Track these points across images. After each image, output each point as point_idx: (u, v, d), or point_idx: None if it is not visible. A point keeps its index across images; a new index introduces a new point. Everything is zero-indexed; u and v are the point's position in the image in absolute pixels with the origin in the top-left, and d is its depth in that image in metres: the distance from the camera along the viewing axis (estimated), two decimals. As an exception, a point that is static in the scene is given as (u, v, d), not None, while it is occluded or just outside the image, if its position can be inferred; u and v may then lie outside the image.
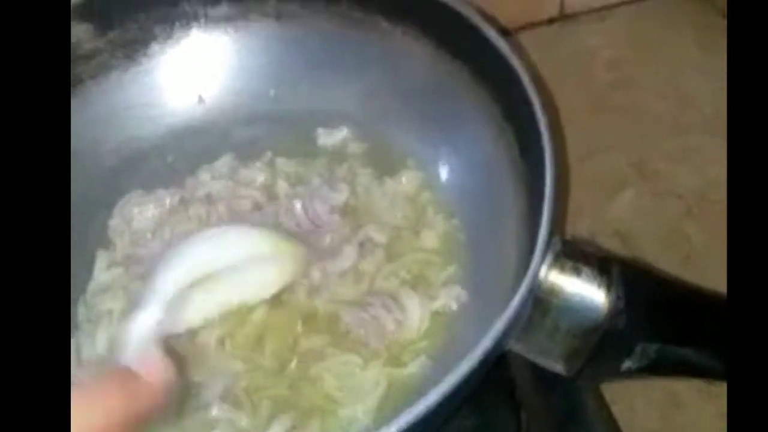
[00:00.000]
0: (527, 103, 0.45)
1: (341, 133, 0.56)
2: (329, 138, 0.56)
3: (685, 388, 0.52)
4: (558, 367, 0.41)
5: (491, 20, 0.50)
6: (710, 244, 0.60)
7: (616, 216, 0.62)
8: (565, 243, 0.40)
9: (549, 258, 0.39)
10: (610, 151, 0.65)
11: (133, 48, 0.56)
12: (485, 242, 0.49)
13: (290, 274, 0.48)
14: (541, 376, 0.46)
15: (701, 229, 0.62)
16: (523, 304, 0.39)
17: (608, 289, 0.39)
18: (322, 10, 0.55)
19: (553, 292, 0.40)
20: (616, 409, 0.48)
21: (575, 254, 0.40)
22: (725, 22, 0.73)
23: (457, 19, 0.50)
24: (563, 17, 0.75)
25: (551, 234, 0.40)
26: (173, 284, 0.43)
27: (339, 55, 0.56)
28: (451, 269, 0.50)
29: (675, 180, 0.64)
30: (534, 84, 0.46)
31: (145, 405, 0.34)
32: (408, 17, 0.53)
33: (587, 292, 0.40)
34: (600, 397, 0.47)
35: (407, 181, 0.53)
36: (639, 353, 0.40)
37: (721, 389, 0.50)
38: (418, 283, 0.49)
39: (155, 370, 0.36)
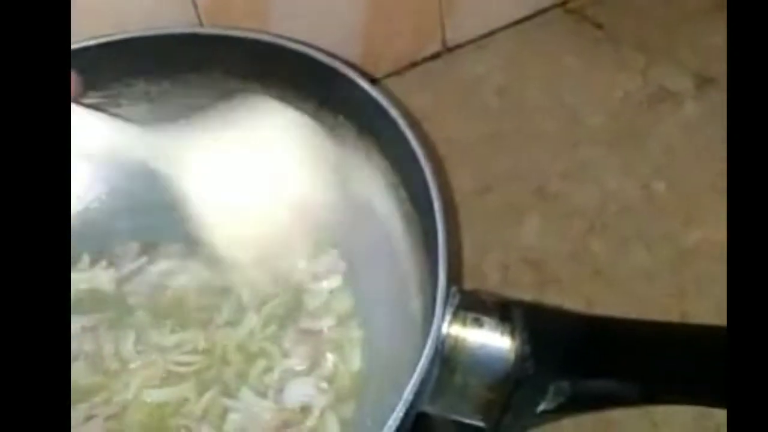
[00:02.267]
0: (410, 153, 0.45)
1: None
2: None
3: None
4: (475, 422, 0.41)
5: (363, 72, 0.50)
6: (615, 255, 0.61)
7: (524, 244, 0.63)
8: (464, 294, 0.40)
9: (449, 313, 0.39)
10: (510, 180, 0.65)
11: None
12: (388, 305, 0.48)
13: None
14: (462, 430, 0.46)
15: (605, 242, 0.62)
16: (430, 364, 0.38)
17: (512, 335, 0.39)
18: (193, 83, 0.54)
19: (456, 348, 0.39)
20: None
21: (475, 305, 0.40)
22: (600, 32, 0.75)
23: (330, 74, 0.50)
24: (447, 50, 0.76)
25: (449, 288, 0.39)
26: None
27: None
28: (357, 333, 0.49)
29: (575, 198, 0.65)
30: (411, 129, 0.46)
31: None
32: (283, 80, 0.52)
33: (491, 341, 0.39)
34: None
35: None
36: (553, 393, 0.40)
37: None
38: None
39: None
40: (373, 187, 0.50)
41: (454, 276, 0.40)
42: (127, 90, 0.55)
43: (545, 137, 0.69)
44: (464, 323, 0.39)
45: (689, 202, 0.63)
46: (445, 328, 0.39)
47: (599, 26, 0.75)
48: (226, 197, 0.45)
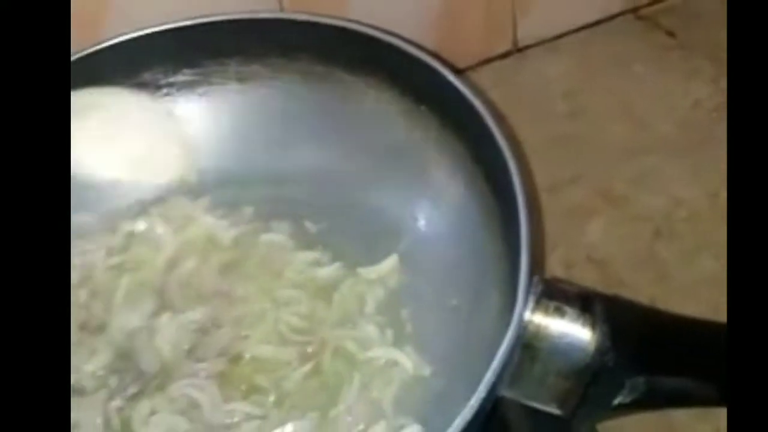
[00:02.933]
0: (493, 145, 0.46)
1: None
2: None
3: (678, 413, 0.52)
4: (552, 410, 0.42)
5: (446, 62, 0.51)
6: (681, 261, 0.61)
7: (588, 244, 0.63)
8: (547, 284, 0.41)
9: (531, 301, 0.40)
10: (576, 181, 0.66)
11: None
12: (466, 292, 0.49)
13: None
14: (537, 418, 0.47)
15: (671, 248, 0.63)
16: (511, 350, 0.39)
17: (593, 326, 0.40)
18: (283, 68, 0.56)
19: (538, 335, 0.40)
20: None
21: (557, 294, 0.41)
22: (672, 40, 0.75)
23: (415, 64, 0.51)
24: (517, 51, 0.76)
25: (532, 276, 0.40)
26: None
27: (305, 112, 0.56)
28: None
29: (641, 203, 0.65)
30: (496, 122, 0.47)
31: None
32: (368, 68, 0.54)
33: (573, 332, 0.40)
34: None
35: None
36: (629, 388, 0.41)
37: (713, 410, 0.51)
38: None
39: None
40: (452, 177, 0.51)
41: (537, 265, 0.41)
42: (220, 69, 0.56)
43: (613, 142, 0.70)
44: (546, 312, 0.40)
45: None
46: (527, 315, 0.40)
47: (671, 34, 0.75)
48: None
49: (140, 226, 0.54)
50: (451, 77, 0.49)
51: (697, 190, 0.65)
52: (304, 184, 0.56)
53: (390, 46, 0.52)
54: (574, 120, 0.71)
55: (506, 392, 0.41)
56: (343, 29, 0.53)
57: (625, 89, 0.73)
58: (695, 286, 0.60)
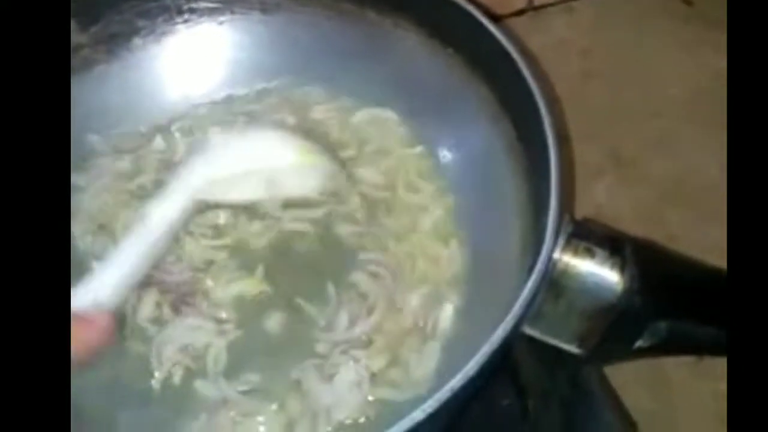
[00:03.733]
0: (524, 88, 0.46)
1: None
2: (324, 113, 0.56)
3: (674, 367, 0.53)
4: (571, 348, 0.42)
5: (481, 7, 0.50)
6: (690, 227, 0.61)
7: (596, 202, 0.63)
8: (577, 224, 0.41)
9: (561, 240, 0.40)
10: (585, 140, 0.66)
11: (116, 43, 0.55)
12: (485, 230, 0.49)
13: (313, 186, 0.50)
14: (545, 360, 0.47)
15: (679, 212, 0.63)
16: (538, 286, 0.39)
17: (622, 269, 0.40)
18: (308, 1, 0.55)
19: (566, 274, 0.40)
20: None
21: (587, 235, 0.41)
22: (689, 9, 0.75)
23: (448, 7, 0.50)
24: (532, 9, 0.76)
25: (561, 215, 0.40)
26: (199, 177, 0.48)
27: (326, 46, 0.56)
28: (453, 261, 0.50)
29: (651, 167, 0.65)
30: (529, 67, 0.46)
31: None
32: (398, 8, 0.53)
33: (601, 273, 0.40)
34: (604, 379, 0.47)
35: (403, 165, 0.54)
36: (650, 332, 0.41)
37: (709, 369, 0.51)
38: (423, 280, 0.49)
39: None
40: (476, 118, 0.51)
41: (566, 205, 0.40)
42: (242, -1, 0.55)
43: (625, 105, 0.69)
44: (576, 251, 0.40)
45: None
46: (557, 254, 0.40)
47: (688, 2, 0.75)
48: None
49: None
50: (483, 19, 0.49)
51: (709, 158, 0.65)
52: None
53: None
54: (587, 80, 0.71)
55: (527, 328, 0.41)
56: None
57: (640, 54, 0.72)
58: (702, 254, 0.60)
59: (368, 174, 0.53)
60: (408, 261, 0.50)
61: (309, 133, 0.53)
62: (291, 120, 0.55)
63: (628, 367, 0.51)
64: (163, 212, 0.48)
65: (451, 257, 0.50)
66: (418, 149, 0.54)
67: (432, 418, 0.37)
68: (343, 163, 0.52)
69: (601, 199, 0.64)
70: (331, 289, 0.48)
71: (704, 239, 0.60)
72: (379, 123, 0.55)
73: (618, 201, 0.63)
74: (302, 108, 0.56)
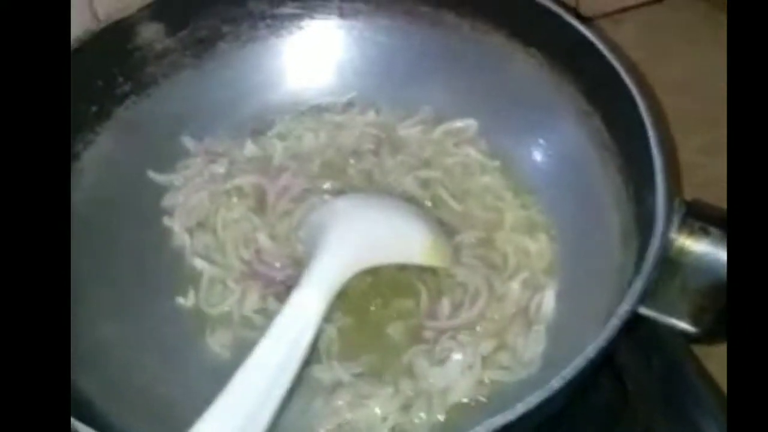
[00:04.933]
0: (613, 77, 0.48)
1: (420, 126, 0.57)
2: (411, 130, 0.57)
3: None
4: (687, 326, 0.43)
5: (565, 6, 0.52)
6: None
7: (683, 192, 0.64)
8: (690, 204, 0.42)
9: (676, 220, 0.41)
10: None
11: (203, 47, 0.56)
12: (577, 222, 0.51)
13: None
14: (642, 345, 0.48)
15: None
16: (656, 265, 0.40)
17: (737, 247, 0.41)
18: (386, 5, 0.57)
19: (682, 252, 0.42)
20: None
21: (701, 215, 0.42)
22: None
23: (528, 7, 0.52)
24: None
25: (672, 195, 0.42)
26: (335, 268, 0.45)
27: (405, 51, 0.57)
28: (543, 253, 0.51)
29: (713, 171, 0.67)
30: (616, 57, 0.48)
31: None
32: (476, 10, 0.55)
33: (716, 251, 0.42)
34: (697, 359, 0.48)
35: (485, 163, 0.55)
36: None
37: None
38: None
39: None
40: (561, 114, 0.53)
41: (675, 188, 0.42)
42: (323, 4, 0.57)
43: (681, 113, 0.71)
44: (691, 231, 0.42)
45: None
46: (672, 233, 0.41)
47: (729, 11, 0.77)
48: None
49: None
50: (564, 14, 0.51)
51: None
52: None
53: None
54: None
55: (642, 308, 0.42)
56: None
57: (689, 64, 0.74)
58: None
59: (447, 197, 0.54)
60: (498, 255, 0.51)
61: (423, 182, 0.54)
62: (377, 133, 0.56)
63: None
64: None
65: (541, 250, 0.51)
66: (497, 163, 0.55)
67: (561, 392, 0.38)
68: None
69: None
70: (427, 278, 0.49)
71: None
72: (458, 137, 0.56)
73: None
74: (387, 125, 0.57)
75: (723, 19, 0.76)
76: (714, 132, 0.68)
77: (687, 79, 0.73)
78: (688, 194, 0.63)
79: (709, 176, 0.65)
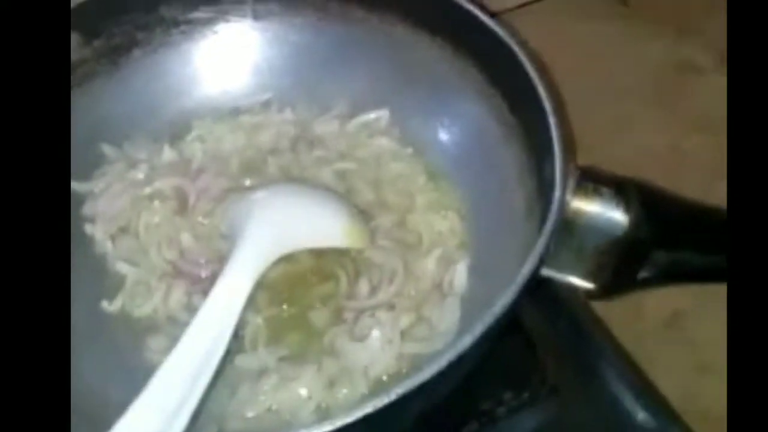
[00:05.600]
0: (512, 59, 0.50)
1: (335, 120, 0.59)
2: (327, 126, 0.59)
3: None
4: (585, 283, 0.46)
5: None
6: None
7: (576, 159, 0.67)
8: (584, 169, 0.45)
9: (572, 183, 0.44)
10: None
11: (117, 55, 0.57)
12: (486, 197, 0.54)
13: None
14: (544, 304, 0.51)
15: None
16: (555, 226, 0.43)
17: (627, 205, 0.44)
18: (297, 4, 0.59)
19: (578, 213, 0.44)
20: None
21: (594, 178, 0.45)
22: (626, 9, 0.81)
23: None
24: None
25: (567, 161, 0.45)
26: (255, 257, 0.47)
27: (320, 48, 0.59)
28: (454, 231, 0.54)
29: (610, 151, 0.70)
30: (512, 39, 0.51)
31: None
32: (384, 3, 0.57)
33: (609, 210, 0.45)
34: (595, 315, 0.52)
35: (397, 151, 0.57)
36: (654, 262, 0.45)
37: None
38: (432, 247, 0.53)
39: None
40: (465, 97, 0.55)
41: (570, 152, 0.45)
42: (236, 7, 0.59)
43: (579, 95, 0.74)
44: (585, 193, 0.44)
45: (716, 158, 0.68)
46: (569, 195, 0.44)
47: (625, 3, 0.82)
48: None
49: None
50: (464, 3, 0.54)
51: (661, 138, 0.71)
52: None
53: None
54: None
55: (544, 270, 0.45)
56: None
57: (589, 49, 0.78)
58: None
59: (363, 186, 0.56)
60: (413, 235, 0.54)
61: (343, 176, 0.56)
62: (293, 131, 0.58)
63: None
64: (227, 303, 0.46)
65: (453, 227, 0.54)
66: (409, 150, 0.58)
67: (472, 348, 0.40)
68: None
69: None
70: (346, 262, 0.52)
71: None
72: (371, 128, 0.59)
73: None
74: (304, 122, 0.59)
75: (618, 7, 0.81)
76: (612, 112, 0.73)
77: (587, 66, 0.76)
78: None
79: (608, 156, 0.69)
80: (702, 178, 0.66)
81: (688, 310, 0.57)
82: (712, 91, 0.73)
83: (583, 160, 0.68)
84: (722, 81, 0.72)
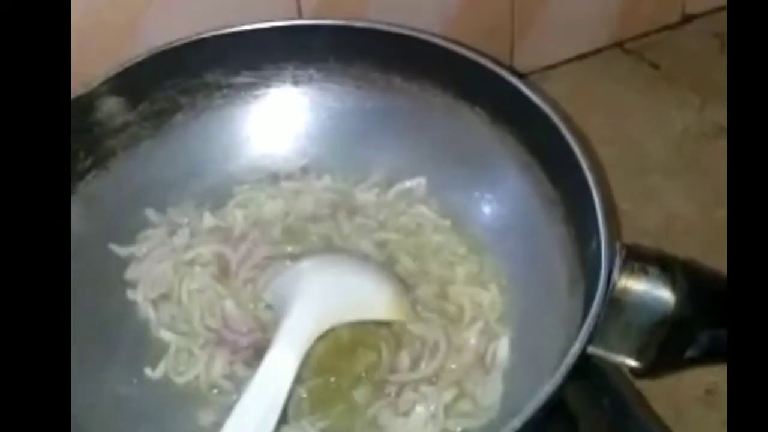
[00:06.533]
0: (552, 130, 0.51)
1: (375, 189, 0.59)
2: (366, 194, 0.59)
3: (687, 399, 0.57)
4: (631, 362, 0.46)
5: (503, 65, 0.56)
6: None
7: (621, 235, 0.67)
8: (630, 247, 0.46)
9: (618, 262, 0.45)
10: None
11: (160, 119, 0.58)
12: (527, 270, 0.54)
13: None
14: (589, 384, 0.51)
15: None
16: (602, 306, 0.43)
17: (673, 285, 0.45)
18: (338, 73, 0.60)
19: (625, 292, 0.45)
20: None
21: (640, 256, 0.45)
22: (656, 72, 0.82)
23: (471, 68, 0.56)
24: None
25: (613, 239, 0.45)
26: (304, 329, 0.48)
27: (358, 115, 0.60)
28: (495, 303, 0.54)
29: (641, 218, 0.71)
30: (555, 111, 0.52)
31: None
32: (422, 73, 0.58)
33: (656, 289, 0.45)
34: (641, 395, 0.51)
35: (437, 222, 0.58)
36: (700, 341, 0.46)
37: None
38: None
39: None
40: (505, 167, 0.56)
41: (614, 232, 0.45)
42: (277, 73, 0.60)
43: (609, 164, 0.75)
44: (632, 271, 0.45)
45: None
46: (616, 274, 0.44)
47: (655, 66, 0.82)
48: None
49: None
50: (506, 75, 0.55)
51: (691, 206, 0.71)
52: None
53: (445, 50, 0.56)
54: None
55: (589, 347, 0.45)
56: (399, 35, 0.57)
57: (617, 115, 0.79)
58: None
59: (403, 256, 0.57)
60: (454, 307, 0.54)
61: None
62: (333, 198, 0.59)
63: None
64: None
65: (493, 300, 0.54)
66: (447, 222, 0.58)
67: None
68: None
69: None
70: (387, 334, 0.52)
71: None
72: (410, 197, 0.59)
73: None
74: (343, 190, 0.60)
75: (647, 70, 0.82)
76: (641, 181, 0.73)
77: (615, 131, 0.77)
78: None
79: (637, 222, 0.70)
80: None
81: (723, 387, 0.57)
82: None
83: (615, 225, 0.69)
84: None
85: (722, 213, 0.68)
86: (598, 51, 0.84)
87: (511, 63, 0.81)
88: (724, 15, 0.83)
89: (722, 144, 0.75)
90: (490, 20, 0.73)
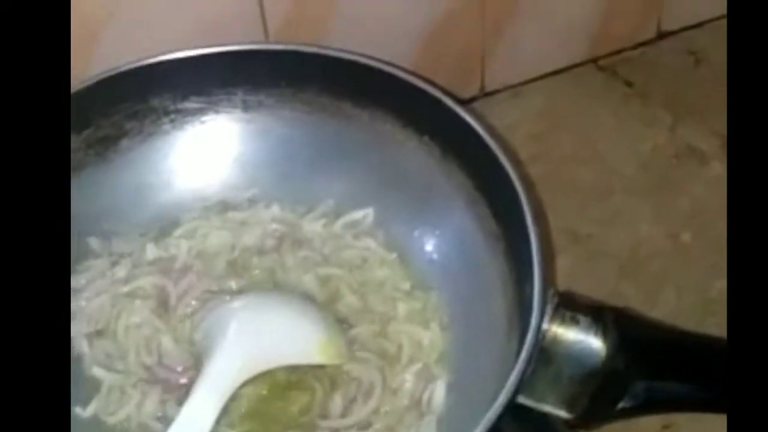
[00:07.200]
0: (498, 170, 0.50)
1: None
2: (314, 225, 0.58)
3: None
4: (562, 413, 0.45)
5: (451, 95, 0.54)
6: (644, 299, 0.65)
7: (557, 282, 0.66)
8: (562, 295, 0.45)
9: (549, 310, 0.44)
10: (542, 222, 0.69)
11: (105, 145, 0.57)
12: (467, 309, 0.53)
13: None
14: (530, 425, 0.50)
15: (636, 285, 0.66)
16: (531, 356, 0.43)
17: (605, 335, 0.44)
18: (288, 98, 0.58)
19: (555, 342, 0.44)
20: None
21: (572, 305, 0.44)
22: (629, 89, 0.81)
23: (421, 97, 0.54)
24: (484, 95, 0.80)
25: (546, 288, 0.44)
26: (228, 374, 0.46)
27: (308, 142, 0.59)
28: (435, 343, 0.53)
29: (606, 242, 0.70)
30: (501, 148, 0.50)
31: None
32: (374, 100, 0.57)
33: (586, 339, 0.44)
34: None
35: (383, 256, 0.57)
36: (633, 392, 0.45)
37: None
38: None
39: None
40: (451, 202, 0.55)
41: (549, 278, 0.44)
42: (227, 98, 0.59)
43: (576, 186, 0.74)
44: (562, 320, 0.44)
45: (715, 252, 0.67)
46: (546, 323, 0.43)
47: (629, 84, 0.81)
48: None
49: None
50: (452, 105, 0.53)
51: (658, 229, 0.70)
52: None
53: (396, 79, 0.55)
54: (538, 162, 0.75)
55: (519, 397, 0.44)
56: (352, 62, 0.56)
57: (588, 133, 0.77)
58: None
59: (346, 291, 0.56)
60: (393, 346, 0.53)
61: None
62: (280, 229, 0.58)
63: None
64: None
65: (434, 340, 0.53)
66: (394, 255, 0.57)
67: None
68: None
69: (562, 279, 0.66)
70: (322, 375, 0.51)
71: (659, 307, 0.64)
72: (357, 228, 0.58)
73: (578, 279, 0.66)
74: (290, 220, 0.59)
75: (621, 87, 0.81)
76: (609, 202, 0.72)
77: (585, 149, 0.76)
78: (584, 264, 0.67)
79: (602, 247, 0.69)
80: (700, 271, 0.66)
81: (681, 422, 0.56)
82: (713, 180, 0.73)
83: (580, 250, 0.68)
84: (723, 168, 0.72)
85: (687, 237, 0.69)
86: (572, 67, 0.82)
87: (482, 79, 0.80)
88: (699, 32, 0.83)
89: (691, 164, 0.74)
90: (461, 37, 0.72)
